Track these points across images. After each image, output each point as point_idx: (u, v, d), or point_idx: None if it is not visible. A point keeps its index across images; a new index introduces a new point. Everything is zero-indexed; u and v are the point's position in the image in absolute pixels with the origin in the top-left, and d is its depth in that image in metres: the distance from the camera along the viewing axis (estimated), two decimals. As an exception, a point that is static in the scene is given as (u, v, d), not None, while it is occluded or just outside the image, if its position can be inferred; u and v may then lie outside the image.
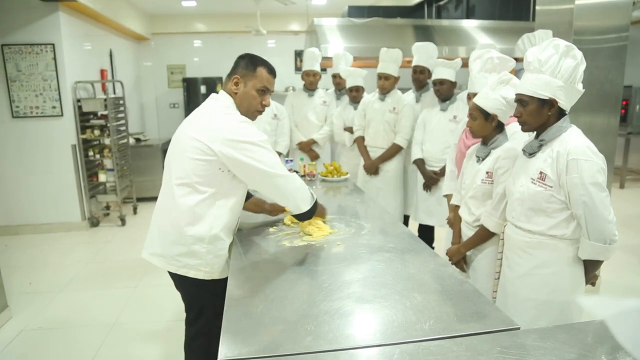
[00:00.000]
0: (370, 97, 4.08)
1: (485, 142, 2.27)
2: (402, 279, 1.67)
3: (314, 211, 2.15)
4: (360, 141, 4.12)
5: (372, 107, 4.00)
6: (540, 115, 1.83)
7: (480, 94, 2.22)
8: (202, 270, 1.97)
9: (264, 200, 2.43)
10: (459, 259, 2.36)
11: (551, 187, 1.81)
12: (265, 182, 1.96)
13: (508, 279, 2.03)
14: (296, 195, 2.06)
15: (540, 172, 1.83)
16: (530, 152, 1.91)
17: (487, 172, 2.20)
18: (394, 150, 3.95)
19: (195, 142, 1.88)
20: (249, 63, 2.01)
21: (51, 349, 3.08)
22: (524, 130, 1.92)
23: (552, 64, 1.77)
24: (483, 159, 2.25)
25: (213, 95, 2.06)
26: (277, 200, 2.11)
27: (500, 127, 2.23)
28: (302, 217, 2.15)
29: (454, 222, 2.51)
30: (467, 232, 2.36)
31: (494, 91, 2.17)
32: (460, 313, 1.42)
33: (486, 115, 2.18)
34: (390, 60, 3.86)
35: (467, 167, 2.41)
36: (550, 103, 1.80)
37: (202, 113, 2.01)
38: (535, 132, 1.93)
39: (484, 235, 2.24)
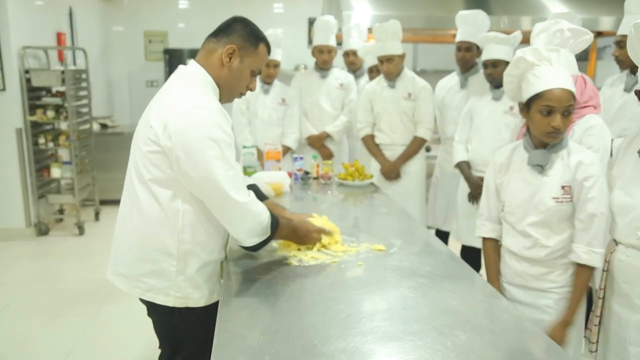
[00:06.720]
0: (374, 85, 4.13)
1: (542, 145, 2.13)
2: (440, 312, 1.67)
3: (263, 246, 2.03)
4: (369, 140, 4.18)
5: (381, 97, 4.06)
6: None
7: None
8: (172, 295, 1.97)
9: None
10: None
11: None
12: (207, 195, 1.89)
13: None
14: (242, 225, 1.95)
15: None
16: None
17: (562, 187, 2.08)
18: (417, 145, 4.02)
19: (146, 128, 1.91)
20: (251, 35, 2.01)
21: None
22: None
23: None
24: (546, 168, 2.12)
25: (180, 68, 2.03)
26: (219, 220, 1.99)
27: None
28: (248, 249, 2.06)
29: (488, 263, 2.41)
30: (528, 270, 2.20)
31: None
32: (517, 359, 1.42)
33: None
34: (387, 38, 3.87)
35: (513, 181, 2.23)
36: None
37: (162, 92, 2.02)
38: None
39: (588, 280, 2.10)
